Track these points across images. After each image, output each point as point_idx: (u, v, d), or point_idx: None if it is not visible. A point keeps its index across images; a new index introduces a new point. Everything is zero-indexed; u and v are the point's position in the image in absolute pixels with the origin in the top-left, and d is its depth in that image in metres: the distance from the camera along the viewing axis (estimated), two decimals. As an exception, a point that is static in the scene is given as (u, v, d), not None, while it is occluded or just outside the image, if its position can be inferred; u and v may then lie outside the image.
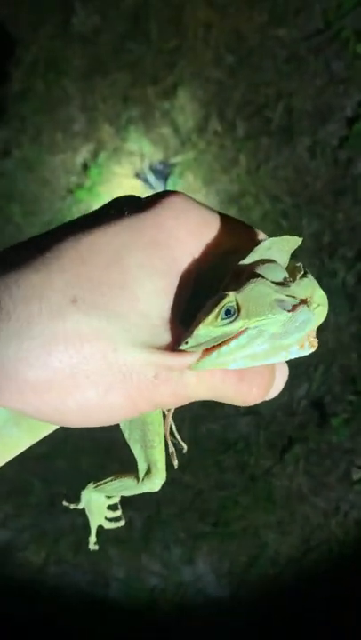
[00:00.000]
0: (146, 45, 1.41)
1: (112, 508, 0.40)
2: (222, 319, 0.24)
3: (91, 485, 0.37)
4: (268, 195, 1.33)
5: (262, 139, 1.34)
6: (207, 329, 0.24)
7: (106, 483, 0.36)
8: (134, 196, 0.29)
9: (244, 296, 0.24)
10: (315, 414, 1.29)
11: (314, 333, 0.27)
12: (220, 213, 0.28)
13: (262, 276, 0.25)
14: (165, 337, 0.25)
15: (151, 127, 1.40)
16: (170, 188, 1.38)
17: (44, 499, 1.36)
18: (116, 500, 0.39)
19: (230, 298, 0.24)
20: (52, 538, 1.36)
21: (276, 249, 0.26)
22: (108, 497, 0.39)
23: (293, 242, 0.27)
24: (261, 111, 1.34)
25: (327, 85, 1.32)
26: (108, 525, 0.40)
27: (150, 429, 0.32)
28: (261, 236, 0.29)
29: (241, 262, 0.25)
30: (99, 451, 1.32)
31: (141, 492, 0.34)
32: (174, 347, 0.25)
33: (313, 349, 0.27)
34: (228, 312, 0.24)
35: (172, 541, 1.31)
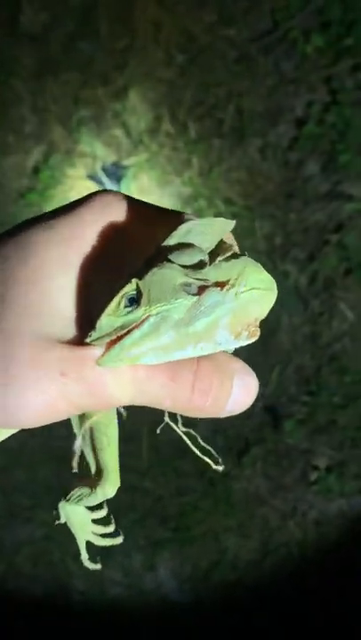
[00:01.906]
0: (96, 45, 1.39)
1: (102, 522, 0.36)
2: (125, 307, 0.23)
3: (62, 499, 0.34)
4: (220, 197, 1.33)
5: (214, 140, 1.33)
6: (109, 319, 0.23)
7: (71, 493, 0.33)
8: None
9: (146, 282, 0.23)
10: (271, 416, 1.30)
11: (256, 322, 0.24)
12: (147, 205, 0.27)
13: (170, 261, 0.23)
14: (76, 332, 0.24)
15: (103, 129, 1.38)
16: (123, 189, 1.36)
17: (1, 510, 1.34)
18: (104, 512, 0.35)
19: (131, 285, 0.22)
20: (11, 550, 1.34)
21: (199, 232, 0.24)
22: (92, 509, 0.35)
23: (222, 224, 0.24)
24: (213, 112, 1.34)
25: (277, 86, 1.32)
26: (100, 542, 0.36)
27: (98, 431, 0.30)
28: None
29: (158, 247, 0.24)
30: (56, 460, 1.30)
31: (97, 500, 0.31)
32: (82, 341, 0.24)
33: (253, 339, 0.24)
34: (131, 300, 0.23)
35: (132, 549, 1.30)
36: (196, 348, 0.24)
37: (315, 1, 1.30)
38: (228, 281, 0.24)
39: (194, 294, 0.23)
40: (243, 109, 1.33)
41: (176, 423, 0.30)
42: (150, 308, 0.23)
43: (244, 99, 1.32)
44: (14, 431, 0.30)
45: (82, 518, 0.35)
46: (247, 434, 1.31)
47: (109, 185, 1.37)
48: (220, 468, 0.30)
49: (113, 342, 0.23)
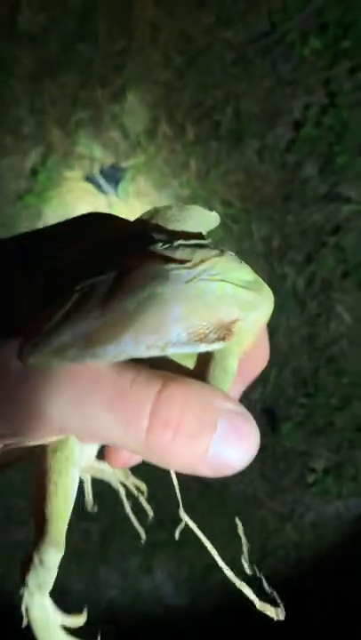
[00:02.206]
0: (94, 46, 1.39)
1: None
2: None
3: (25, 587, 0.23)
4: (218, 199, 1.33)
5: (212, 142, 1.33)
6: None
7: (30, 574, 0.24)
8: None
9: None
10: (268, 418, 1.30)
11: (231, 325, 0.19)
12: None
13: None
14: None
15: (101, 130, 1.38)
16: (121, 192, 1.36)
17: (-1, 512, 1.34)
18: (82, 619, 0.25)
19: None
20: (8, 552, 1.34)
21: (171, 219, 0.20)
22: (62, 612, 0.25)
23: (202, 216, 0.20)
24: (210, 114, 1.34)
25: (275, 88, 1.32)
26: None
27: (47, 476, 0.23)
28: None
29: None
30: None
31: (43, 573, 0.23)
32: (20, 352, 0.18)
33: (224, 343, 0.19)
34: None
35: (129, 551, 1.30)
36: (139, 345, 0.18)
37: (312, 3, 1.30)
38: (183, 261, 0.19)
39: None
40: (240, 111, 1.33)
41: None
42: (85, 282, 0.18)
43: (242, 101, 1.33)
44: None
45: (48, 620, 0.24)
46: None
47: (107, 187, 1.36)
48: (281, 616, 0.23)
49: (32, 330, 0.18)
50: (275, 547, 1.30)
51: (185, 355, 0.21)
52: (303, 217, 1.30)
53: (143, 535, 0.27)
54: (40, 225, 1.37)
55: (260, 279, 0.20)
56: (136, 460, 0.27)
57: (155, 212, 0.20)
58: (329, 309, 1.29)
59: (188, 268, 0.18)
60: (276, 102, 1.32)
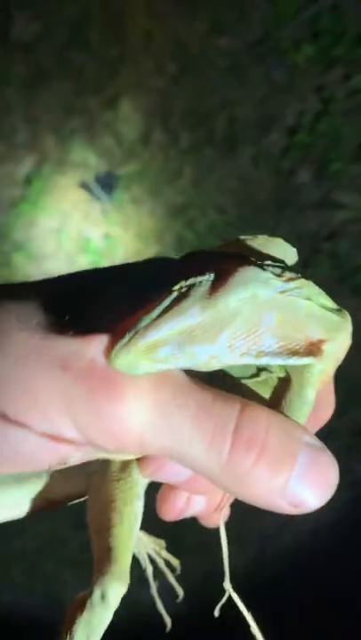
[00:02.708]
0: (88, 54, 1.39)
1: None
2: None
3: None
4: (213, 206, 1.33)
5: (206, 150, 1.33)
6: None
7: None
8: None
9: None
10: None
11: (319, 343, 0.20)
12: None
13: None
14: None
15: (95, 138, 1.38)
16: (116, 199, 1.36)
17: (-6, 522, 1.33)
18: None
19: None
20: (4, 563, 1.33)
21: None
22: None
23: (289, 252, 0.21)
24: (204, 121, 1.34)
25: (269, 95, 1.32)
26: None
27: (109, 499, 0.22)
28: None
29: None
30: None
31: (101, 617, 0.21)
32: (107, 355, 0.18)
33: (314, 360, 0.19)
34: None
35: (126, 561, 1.30)
36: (234, 350, 0.18)
37: (305, 11, 1.31)
38: (276, 274, 0.19)
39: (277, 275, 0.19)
40: (234, 118, 1.33)
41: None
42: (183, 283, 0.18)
43: (236, 108, 1.33)
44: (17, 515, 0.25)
45: None
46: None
47: (102, 195, 1.36)
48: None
49: (126, 327, 0.18)
50: (273, 554, 1.30)
51: (263, 383, 0.21)
52: (298, 223, 1.30)
53: (169, 624, 0.26)
54: (34, 232, 1.37)
55: (341, 309, 0.21)
56: (191, 511, 0.25)
57: (239, 240, 0.21)
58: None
59: (283, 280, 0.19)
60: (270, 109, 1.33)
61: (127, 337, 0.17)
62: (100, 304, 0.20)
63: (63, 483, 0.25)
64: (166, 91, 1.36)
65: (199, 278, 0.18)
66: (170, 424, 0.18)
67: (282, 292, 0.19)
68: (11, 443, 0.19)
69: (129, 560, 0.22)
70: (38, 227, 1.37)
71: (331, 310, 0.20)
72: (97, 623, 0.22)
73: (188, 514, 0.25)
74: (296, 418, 0.21)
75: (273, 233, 0.22)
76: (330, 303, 0.20)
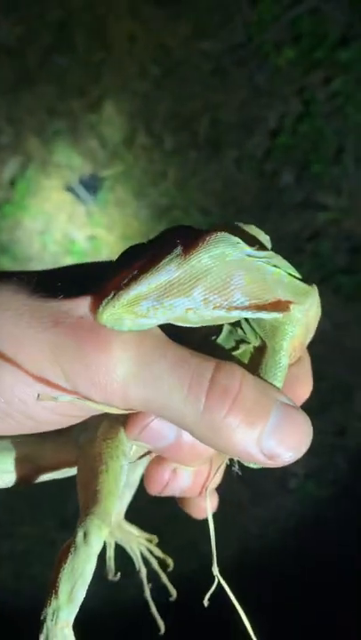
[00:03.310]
0: (71, 58, 1.40)
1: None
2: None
3: (49, 606, 0.22)
4: (197, 208, 1.34)
5: (190, 152, 1.34)
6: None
7: (58, 584, 0.22)
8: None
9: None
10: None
11: (284, 304, 0.21)
12: None
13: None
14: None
15: (79, 140, 1.39)
16: (100, 201, 1.37)
17: (-20, 525, 1.32)
18: None
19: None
20: (-9, 565, 1.33)
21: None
22: None
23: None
24: (188, 124, 1.35)
25: (251, 98, 1.34)
26: None
27: (96, 452, 0.23)
28: None
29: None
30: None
31: (85, 559, 0.22)
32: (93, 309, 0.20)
33: (280, 314, 0.21)
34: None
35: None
36: (208, 304, 0.20)
37: (286, 15, 1.33)
38: (248, 242, 0.21)
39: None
40: (217, 121, 1.34)
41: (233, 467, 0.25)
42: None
43: (219, 111, 1.34)
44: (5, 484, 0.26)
45: None
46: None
47: (86, 196, 1.37)
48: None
49: (112, 286, 0.20)
50: (257, 552, 1.31)
51: (242, 356, 0.23)
52: (281, 224, 1.32)
53: (163, 628, 0.27)
54: (19, 234, 1.37)
55: (309, 283, 0.22)
56: (172, 489, 0.26)
57: (216, 225, 0.22)
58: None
59: (253, 249, 0.21)
60: (253, 112, 1.34)
61: (112, 294, 0.19)
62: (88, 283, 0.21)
63: (53, 451, 0.27)
64: (150, 94, 1.37)
65: (176, 240, 0.20)
66: (150, 373, 0.19)
67: (250, 257, 0.21)
68: (6, 383, 0.20)
69: (113, 506, 0.22)
70: (23, 228, 1.37)
71: (298, 280, 0.22)
72: (81, 569, 0.22)
73: (175, 489, 0.27)
74: (271, 381, 0.22)
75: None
76: (298, 275, 0.22)
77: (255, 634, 0.25)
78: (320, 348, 1.30)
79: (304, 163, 1.32)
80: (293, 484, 1.30)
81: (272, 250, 0.23)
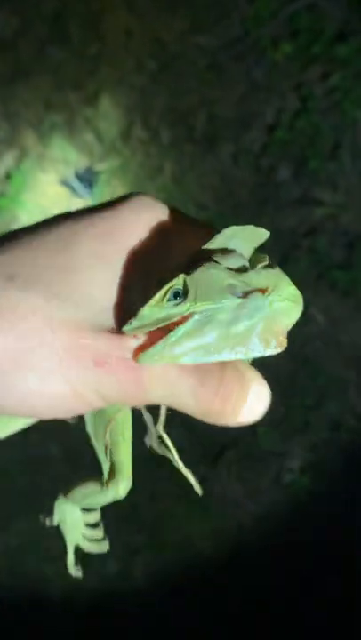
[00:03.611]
0: (67, 50, 1.39)
1: (92, 526, 0.36)
2: (169, 300, 0.23)
3: (62, 495, 0.34)
4: (194, 202, 1.34)
5: (186, 146, 1.34)
6: (152, 309, 0.23)
7: (74, 490, 0.33)
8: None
9: (193, 279, 0.23)
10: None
11: (284, 333, 0.25)
12: (182, 214, 0.28)
13: (217, 262, 0.24)
14: (110, 322, 0.24)
15: (75, 134, 1.38)
16: (96, 195, 1.36)
17: (-25, 520, 1.32)
18: (97, 516, 0.36)
19: (179, 280, 0.23)
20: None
21: (240, 238, 0.25)
22: (86, 511, 0.35)
23: (259, 234, 0.25)
24: (185, 118, 1.35)
25: (248, 93, 1.34)
26: (88, 547, 0.37)
27: (113, 427, 0.30)
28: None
29: (201, 249, 0.24)
30: (32, 470, 1.29)
31: (107, 500, 0.31)
32: (118, 330, 0.24)
33: (280, 349, 0.25)
34: (176, 294, 0.23)
35: (108, 556, 1.30)
36: (232, 353, 0.24)
37: (284, 10, 1.33)
38: (267, 288, 0.24)
39: (239, 297, 0.23)
40: (214, 116, 1.34)
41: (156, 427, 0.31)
42: (196, 304, 0.23)
43: (216, 105, 1.34)
44: (27, 423, 0.30)
45: (76, 520, 0.35)
46: (222, 438, 1.31)
47: (82, 190, 1.36)
48: (200, 491, 0.32)
49: (154, 338, 0.23)
50: (253, 547, 1.31)
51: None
52: (277, 220, 1.32)
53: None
54: (14, 228, 1.36)
55: (297, 290, 0.26)
56: None
57: (230, 236, 0.25)
58: (303, 311, 1.30)
59: (269, 294, 0.24)
60: (250, 107, 1.34)
61: (156, 349, 0.23)
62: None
63: None
64: (146, 88, 1.36)
65: (220, 303, 0.23)
66: (173, 394, 0.24)
67: (271, 304, 0.24)
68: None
69: (131, 467, 0.31)
70: (18, 222, 1.36)
71: (294, 298, 0.26)
72: (99, 499, 0.32)
73: None
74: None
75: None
76: (294, 289, 0.26)
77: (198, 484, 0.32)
78: (316, 344, 1.30)
79: (301, 158, 1.32)
80: (288, 478, 1.31)
81: (267, 243, 0.26)
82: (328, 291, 1.30)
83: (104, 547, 0.37)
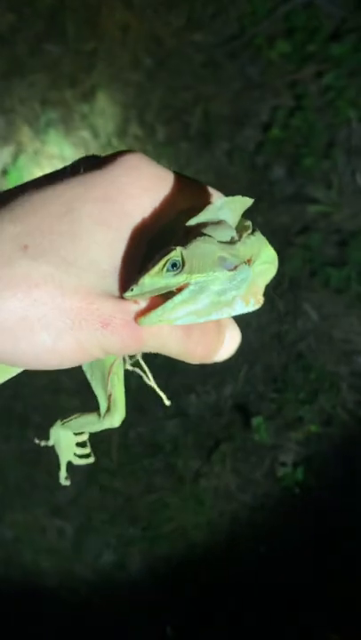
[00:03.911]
0: (63, 46, 1.39)
1: (81, 445, 0.42)
2: (167, 271, 0.25)
3: (58, 422, 0.40)
4: (189, 199, 1.34)
5: (182, 143, 1.35)
6: (152, 279, 0.25)
7: (71, 419, 0.39)
8: (94, 155, 0.30)
9: (189, 252, 0.25)
10: (239, 413, 1.32)
11: (261, 290, 0.28)
12: (176, 173, 0.29)
13: (209, 235, 0.26)
14: (114, 286, 0.26)
15: (71, 130, 1.39)
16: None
17: (-29, 512, 1.33)
18: (85, 437, 0.41)
19: (176, 252, 0.25)
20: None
21: (228, 209, 0.27)
22: (77, 434, 0.41)
23: (245, 202, 0.28)
24: (180, 115, 1.35)
25: (243, 90, 1.34)
26: (78, 462, 0.42)
27: (110, 371, 0.35)
28: (216, 195, 0.31)
29: (192, 221, 0.27)
30: (26, 463, 1.30)
31: (103, 427, 0.36)
32: (120, 295, 0.26)
33: (258, 306, 0.28)
34: (173, 265, 0.25)
35: (103, 548, 1.31)
36: (218, 314, 0.27)
37: (280, 8, 1.33)
38: (252, 257, 0.27)
39: (230, 269, 0.26)
40: (210, 113, 1.35)
41: (125, 363, 0.36)
42: (191, 276, 0.26)
43: (211, 103, 1.35)
44: (17, 372, 0.33)
45: (69, 442, 0.41)
46: (216, 431, 1.33)
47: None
48: (168, 402, 0.37)
49: (154, 304, 0.26)
50: (247, 540, 1.33)
51: None
52: (272, 217, 1.33)
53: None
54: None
55: (274, 251, 0.29)
56: None
57: (219, 207, 0.27)
58: (297, 307, 1.32)
59: (254, 262, 0.28)
60: (245, 104, 1.35)
61: (155, 314, 0.26)
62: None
63: None
64: (142, 85, 1.37)
65: (212, 276, 0.26)
66: (164, 345, 0.28)
67: (252, 273, 0.28)
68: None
69: (124, 402, 0.36)
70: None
71: (270, 258, 0.29)
72: (95, 427, 0.37)
73: None
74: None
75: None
76: (271, 250, 0.29)
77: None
78: (309, 340, 1.31)
79: (295, 156, 1.33)
80: (282, 471, 1.33)
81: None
82: (321, 287, 1.32)
83: (90, 460, 0.42)
